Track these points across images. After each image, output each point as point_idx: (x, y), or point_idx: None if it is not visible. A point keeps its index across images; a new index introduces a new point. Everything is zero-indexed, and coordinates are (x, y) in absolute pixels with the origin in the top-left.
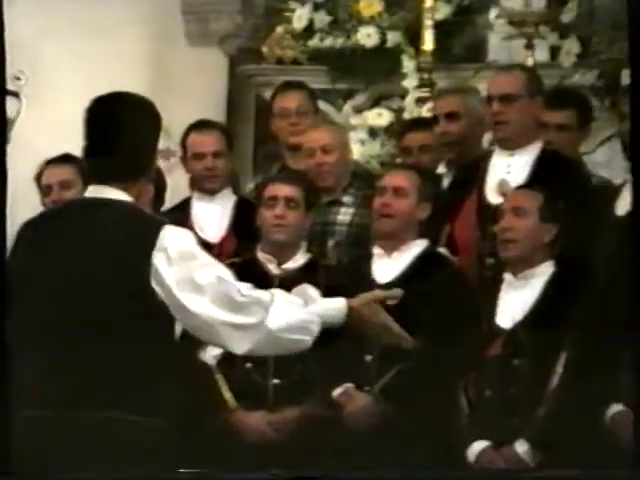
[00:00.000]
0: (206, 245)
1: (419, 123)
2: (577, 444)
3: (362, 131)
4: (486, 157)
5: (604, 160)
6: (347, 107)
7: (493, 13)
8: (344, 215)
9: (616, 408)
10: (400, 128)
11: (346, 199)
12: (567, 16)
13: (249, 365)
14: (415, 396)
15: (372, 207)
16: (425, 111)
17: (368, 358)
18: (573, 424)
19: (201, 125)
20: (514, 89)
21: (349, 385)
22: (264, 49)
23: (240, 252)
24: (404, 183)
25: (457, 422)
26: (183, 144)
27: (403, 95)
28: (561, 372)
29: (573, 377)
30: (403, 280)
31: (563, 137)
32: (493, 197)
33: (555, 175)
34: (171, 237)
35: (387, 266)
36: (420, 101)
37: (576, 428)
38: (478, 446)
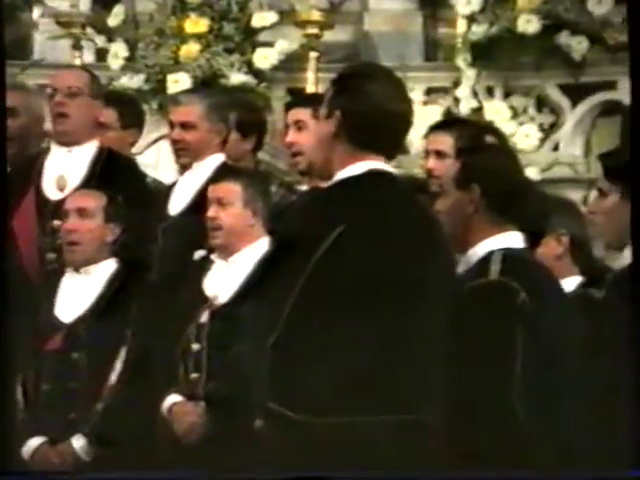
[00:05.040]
0: None
1: None
2: (135, 438)
3: None
4: (43, 153)
5: (152, 161)
6: None
7: (37, 12)
8: None
9: (173, 399)
10: None
11: None
12: (114, 20)
13: None
14: None
15: None
16: None
17: None
18: (129, 419)
19: None
20: (77, 85)
21: None
22: None
23: None
24: None
25: (13, 418)
26: None
27: None
28: (120, 367)
29: (131, 372)
30: None
31: (113, 136)
32: (52, 193)
33: (113, 174)
34: None
35: None
36: None
37: (133, 422)
38: (33, 443)
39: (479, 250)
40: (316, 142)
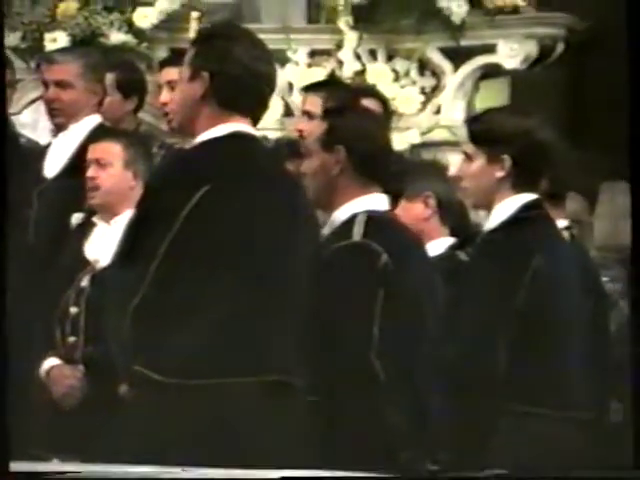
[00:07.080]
0: None
1: None
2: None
3: None
4: None
5: (30, 122)
6: None
7: None
8: None
9: (51, 362)
10: None
11: None
12: None
13: None
14: None
15: None
16: None
17: None
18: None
19: None
20: None
21: None
22: None
23: None
24: None
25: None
26: None
27: None
28: None
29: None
30: None
31: None
32: None
33: None
34: None
35: None
36: None
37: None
38: None
39: (344, 212)
40: (182, 103)
